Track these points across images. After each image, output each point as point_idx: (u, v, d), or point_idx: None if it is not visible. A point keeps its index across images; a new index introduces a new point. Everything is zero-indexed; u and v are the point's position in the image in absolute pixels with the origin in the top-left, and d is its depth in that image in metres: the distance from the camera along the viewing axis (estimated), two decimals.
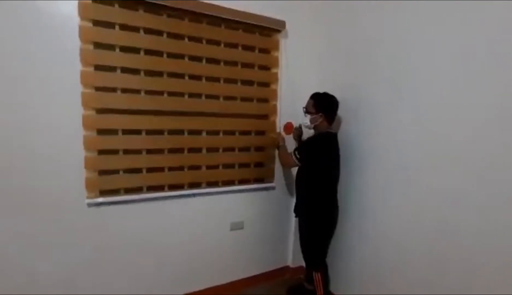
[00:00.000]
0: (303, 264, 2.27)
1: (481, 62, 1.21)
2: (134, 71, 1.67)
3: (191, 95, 1.85)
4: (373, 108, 1.75)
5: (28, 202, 1.52)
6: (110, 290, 1.77)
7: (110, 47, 1.60)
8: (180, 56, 1.79)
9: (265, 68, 2.11)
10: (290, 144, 2.22)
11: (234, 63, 1.97)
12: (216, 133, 1.97)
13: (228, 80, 1.96)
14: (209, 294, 2.07)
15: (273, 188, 2.25)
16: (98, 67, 1.58)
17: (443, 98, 1.36)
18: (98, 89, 1.60)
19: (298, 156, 1.80)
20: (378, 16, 1.70)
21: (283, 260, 2.42)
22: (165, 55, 1.74)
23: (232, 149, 2.05)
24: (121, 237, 1.76)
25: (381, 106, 1.69)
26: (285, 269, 2.41)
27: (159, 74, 1.74)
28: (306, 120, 1.85)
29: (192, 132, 1.89)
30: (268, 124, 2.17)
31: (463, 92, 1.28)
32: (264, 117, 2.17)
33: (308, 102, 1.86)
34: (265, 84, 2.14)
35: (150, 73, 1.71)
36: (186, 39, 1.79)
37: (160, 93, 1.76)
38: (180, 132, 1.85)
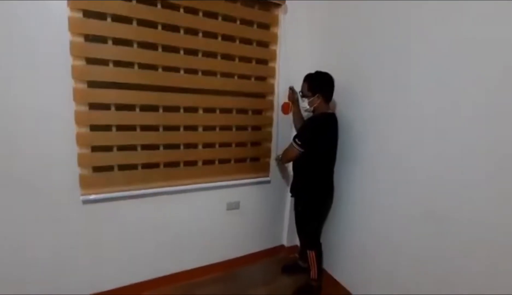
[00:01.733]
0: (298, 243, 2.31)
1: (480, 52, 1.19)
2: (127, 43, 1.59)
3: (186, 71, 1.79)
4: (371, 89, 1.72)
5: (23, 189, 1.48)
6: (104, 273, 1.77)
7: (102, 16, 1.51)
8: (176, 29, 1.70)
9: (264, 44, 2.04)
10: (287, 125, 2.21)
11: (231, 37, 1.89)
12: (212, 111, 1.93)
13: (225, 47, 1.89)
14: (205, 272, 2.10)
15: (268, 182, 2.26)
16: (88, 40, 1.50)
17: (441, 86, 1.34)
18: (89, 61, 1.52)
19: (299, 143, 1.75)
20: None
21: (278, 240, 2.45)
22: (159, 28, 1.66)
23: (229, 128, 2.02)
24: (117, 225, 1.75)
25: (378, 88, 1.67)
26: (279, 248, 2.45)
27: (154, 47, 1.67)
28: (304, 104, 1.82)
29: (188, 110, 1.84)
30: (265, 103, 2.14)
31: (460, 79, 1.26)
32: (261, 96, 2.13)
33: (303, 86, 1.81)
34: (263, 61, 2.08)
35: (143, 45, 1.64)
36: (182, 11, 1.70)
37: (154, 67, 1.69)
38: (176, 109, 1.80)
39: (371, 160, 1.73)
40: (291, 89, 2.04)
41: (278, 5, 1.98)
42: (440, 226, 1.37)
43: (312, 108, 1.80)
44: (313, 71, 1.81)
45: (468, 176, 1.25)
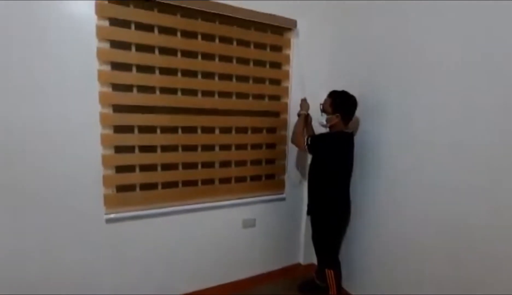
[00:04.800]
0: (314, 261, 2.27)
1: (488, 62, 1.24)
2: (149, 69, 1.71)
3: (204, 93, 1.88)
4: (384, 106, 1.75)
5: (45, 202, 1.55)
6: (119, 290, 1.79)
7: (126, 46, 1.63)
8: (194, 55, 1.81)
9: (276, 66, 2.12)
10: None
11: (246, 61, 1.99)
12: (228, 130, 2.00)
13: (240, 78, 1.98)
14: (220, 291, 2.09)
15: (283, 199, 2.27)
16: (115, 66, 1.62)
17: (454, 96, 1.38)
18: (114, 88, 1.64)
19: (309, 142, 1.78)
20: (389, 16, 1.71)
21: (294, 258, 2.43)
22: (179, 55, 1.77)
23: (244, 147, 2.07)
24: (135, 243, 1.80)
25: (392, 105, 1.70)
26: (296, 266, 2.42)
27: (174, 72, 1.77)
28: (322, 119, 1.83)
29: (205, 130, 1.91)
30: (279, 122, 2.19)
31: (473, 89, 1.30)
32: (275, 114, 2.19)
33: (326, 101, 1.83)
34: (277, 82, 2.15)
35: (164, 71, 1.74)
36: (199, 38, 1.81)
37: (174, 91, 1.79)
38: (193, 129, 1.88)
39: (390, 175, 1.73)
40: (304, 100, 1.99)
41: (289, 30, 2.07)
42: (469, 238, 1.34)
43: (328, 125, 1.82)
44: (330, 88, 1.86)
45: (491, 184, 1.25)
